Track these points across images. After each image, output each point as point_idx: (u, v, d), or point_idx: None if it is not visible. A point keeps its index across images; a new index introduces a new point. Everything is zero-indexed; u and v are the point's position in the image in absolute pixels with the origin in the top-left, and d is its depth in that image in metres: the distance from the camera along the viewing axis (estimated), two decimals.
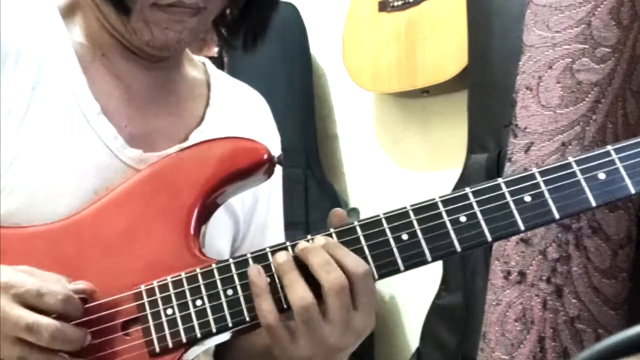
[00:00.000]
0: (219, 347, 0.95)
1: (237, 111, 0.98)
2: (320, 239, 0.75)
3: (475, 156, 1.67)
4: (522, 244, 1.00)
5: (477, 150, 1.67)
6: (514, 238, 1.01)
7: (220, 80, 1.00)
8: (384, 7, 1.95)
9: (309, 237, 0.76)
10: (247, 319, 0.75)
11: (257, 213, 0.98)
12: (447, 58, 1.81)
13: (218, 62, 1.93)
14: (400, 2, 1.91)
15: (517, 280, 1.00)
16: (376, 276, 0.75)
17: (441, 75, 1.83)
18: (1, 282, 0.70)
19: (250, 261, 0.76)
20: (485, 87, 1.64)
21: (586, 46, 0.96)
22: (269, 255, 0.77)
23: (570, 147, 0.97)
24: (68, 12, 0.90)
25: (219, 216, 0.89)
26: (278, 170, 0.98)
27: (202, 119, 0.93)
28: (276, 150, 1.01)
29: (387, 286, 2.11)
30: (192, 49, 1.02)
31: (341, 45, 2.06)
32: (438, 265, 1.76)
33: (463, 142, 1.73)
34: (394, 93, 2.02)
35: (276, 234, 1.00)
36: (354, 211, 2.13)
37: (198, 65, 1.00)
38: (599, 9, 0.95)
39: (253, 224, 0.98)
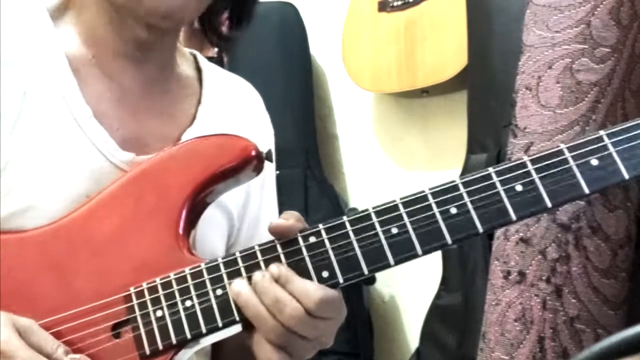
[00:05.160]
0: (214, 347, 0.94)
1: (229, 107, 0.97)
2: (273, 269, 0.74)
3: (475, 156, 1.67)
4: (522, 244, 1.00)
5: (476, 150, 1.67)
6: (514, 238, 1.01)
7: (212, 74, 0.99)
8: (383, 7, 1.95)
9: (260, 260, 0.76)
10: (237, 318, 0.75)
11: (250, 208, 0.97)
12: (447, 58, 1.81)
13: (218, 62, 1.93)
14: (400, 2, 1.91)
15: (517, 280, 1.00)
16: (366, 272, 0.75)
17: (441, 75, 1.83)
18: None
19: (240, 261, 0.76)
20: (485, 87, 1.64)
21: (586, 46, 0.96)
22: (258, 253, 0.76)
23: None
24: (59, 14, 0.89)
25: (213, 215, 0.88)
26: (271, 164, 0.97)
27: (194, 117, 0.92)
28: (269, 143, 1.00)
29: (387, 286, 2.11)
30: (192, 48, 1.01)
31: (341, 45, 2.06)
32: (438, 265, 1.76)
33: (463, 142, 1.73)
34: (393, 93, 2.02)
35: None
36: (354, 211, 2.13)
37: (189, 60, 0.99)
38: (598, 9, 0.95)
39: (246, 220, 0.97)
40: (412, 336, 2.02)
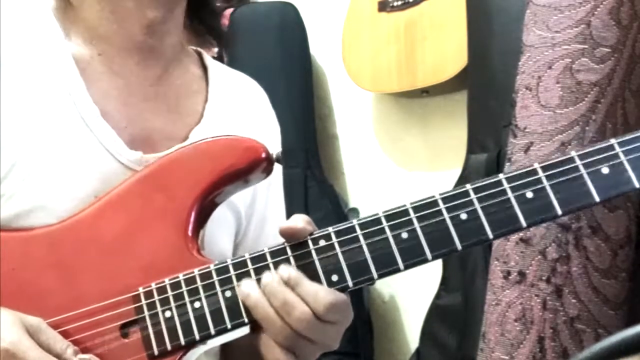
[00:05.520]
0: (224, 347, 0.94)
1: (236, 105, 0.97)
2: (283, 271, 0.74)
3: (475, 156, 1.67)
4: (522, 244, 1.00)
5: (476, 150, 1.67)
6: (514, 238, 1.01)
7: (218, 72, 0.99)
8: (383, 7, 1.95)
9: (270, 263, 0.76)
10: (246, 320, 0.75)
11: (257, 207, 0.97)
12: (447, 58, 1.81)
13: (218, 61, 1.93)
14: (400, 2, 1.91)
15: (517, 280, 1.00)
16: (375, 276, 0.75)
17: (441, 75, 1.82)
18: (2, 348, 0.69)
19: (249, 262, 0.76)
20: (485, 87, 1.64)
21: (586, 46, 0.96)
22: (267, 255, 0.76)
23: (569, 147, 0.97)
24: (63, 12, 0.89)
25: (221, 214, 0.88)
26: (277, 165, 0.98)
27: (202, 115, 0.92)
28: (277, 140, 1.00)
29: (387, 286, 2.11)
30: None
31: (341, 45, 2.06)
32: (438, 265, 1.76)
33: (463, 142, 1.73)
34: (393, 93, 2.02)
35: (276, 228, 1.00)
36: (354, 211, 2.13)
37: (194, 58, 0.99)
38: (598, 9, 0.95)
39: (253, 219, 0.97)
40: (412, 336, 2.02)
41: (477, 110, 1.69)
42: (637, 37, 0.96)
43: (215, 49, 1.94)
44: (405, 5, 1.90)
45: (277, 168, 1.00)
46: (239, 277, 0.76)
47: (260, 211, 0.98)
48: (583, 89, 0.97)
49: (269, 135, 0.98)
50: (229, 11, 2.14)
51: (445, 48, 1.82)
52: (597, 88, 0.96)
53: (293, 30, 2.18)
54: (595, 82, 0.96)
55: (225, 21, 2.11)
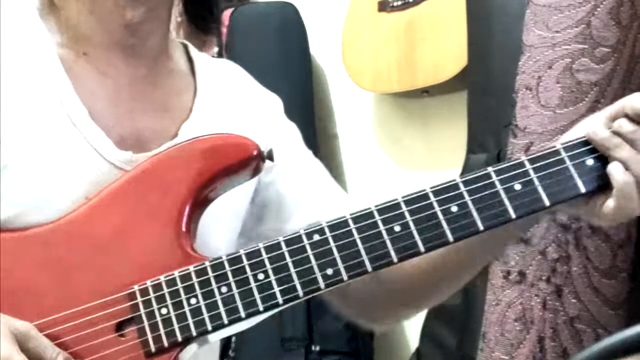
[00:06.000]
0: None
1: (224, 95, 0.96)
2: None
3: (474, 156, 1.67)
4: (522, 244, 1.00)
5: (476, 150, 1.67)
6: None
7: (203, 64, 0.98)
8: (383, 7, 1.95)
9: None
10: (243, 315, 0.75)
11: (284, 171, 0.97)
12: (447, 58, 1.81)
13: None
14: (400, 2, 1.91)
15: (517, 280, 1.00)
16: (369, 269, 0.75)
17: (441, 75, 1.82)
18: None
19: (244, 258, 0.77)
20: (485, 87, 1.64)
21: (586, 46, 0.96)
22: (262, 251, 0.77)
23: None
24: (48, 12, 0.88)
25: (216, 210, 0.88)
26: (292, 126, 1.00)
27: (191, 110, 0.91)
28: (277, 113, 1.00)
29: None
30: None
31: (341, 45, 2.06)
32: None
33: (463, 142, 1.73)
34: (393, 93, 2.02)
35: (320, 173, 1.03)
36: None
37: (181, 52, 0.98)
38: (598, 9, 0.95)
39: (284, 183, 0.97)
40: (412, 336, 2.02)
41: (477, 110, 1.69)
42: (637, 37, 0.97)
43: (216, 49, 1.95)
44: (405, 5, 1.90)
45: (294, 130, 1.02)
46: (234, 273, 0.76)
47: (291, 169, 0.98)
48: (583, 89, 0.97)
49: (263, 116, 0.97)
50: (229, 11, 2.14)
51: (445, 48, 1.82)
52: (597, 88, 0.96)
53: (293, 30, 2.18)
54: (595, 82, 0.96)
55: (225, 21, 2.11)
